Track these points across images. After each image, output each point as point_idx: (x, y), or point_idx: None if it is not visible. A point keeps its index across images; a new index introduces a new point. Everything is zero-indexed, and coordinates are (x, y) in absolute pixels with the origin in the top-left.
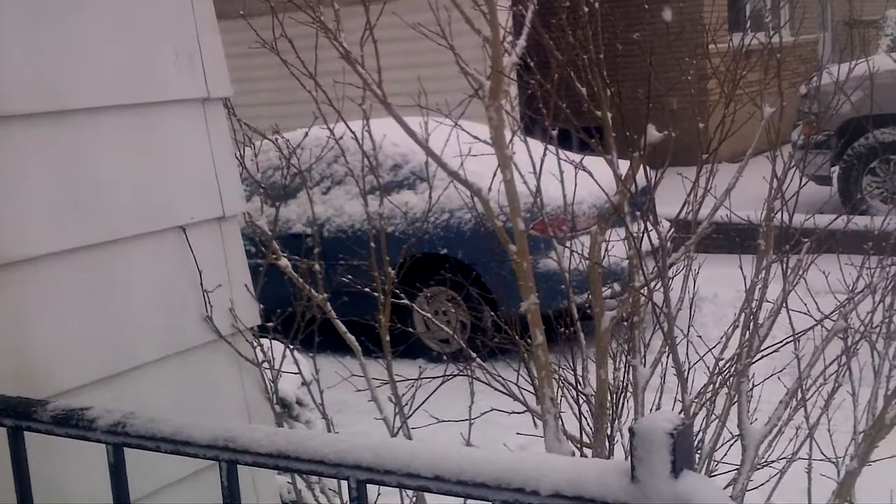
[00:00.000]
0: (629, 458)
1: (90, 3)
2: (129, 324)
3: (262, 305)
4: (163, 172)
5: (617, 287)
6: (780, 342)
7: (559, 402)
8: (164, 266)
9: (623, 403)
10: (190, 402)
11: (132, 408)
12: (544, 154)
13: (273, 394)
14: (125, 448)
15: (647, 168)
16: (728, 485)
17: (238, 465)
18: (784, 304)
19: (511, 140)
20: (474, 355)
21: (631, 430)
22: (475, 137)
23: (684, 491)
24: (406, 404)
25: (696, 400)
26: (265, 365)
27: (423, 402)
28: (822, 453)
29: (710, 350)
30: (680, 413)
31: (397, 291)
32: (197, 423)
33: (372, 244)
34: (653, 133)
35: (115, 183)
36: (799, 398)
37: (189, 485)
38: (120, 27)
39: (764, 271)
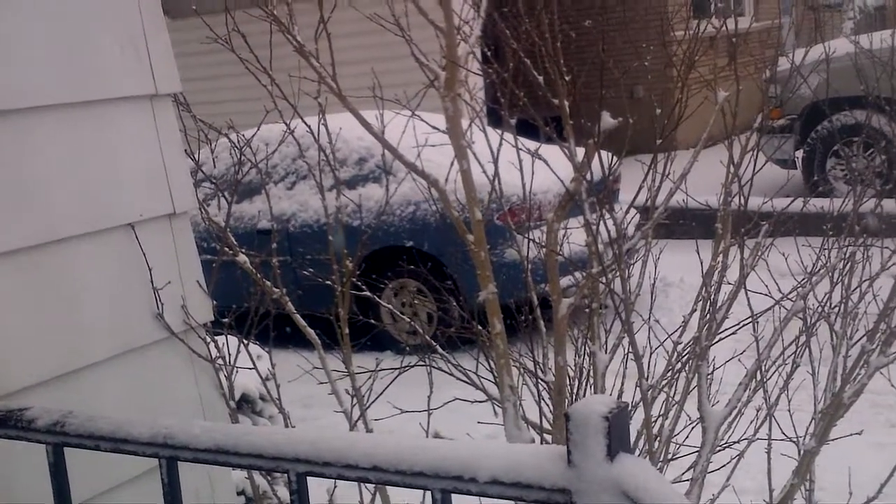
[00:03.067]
0: (566, 442)
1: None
2: (78, 323)
3: (214, 302)
4: (110, 170)
5: (579, 275)
6: (739, 324)
7: (520, 389)
8: (114, 264)
9: (585, 389)
10: (143, 401)
11: (84, 407)
12: (500, 143)
13: (228, 390)
14: (65, 448)
15: (611, 155)
16: (690, 467)
17: (180, 462)
18: (743, 287)
19: (468, 130)
20: (435, 345)
21: (566, 415)
22: (434, 128)
23: (619, 473)
24: (364, 396)
25: (654, 385)
26: (220, 361)
27: (380, 394)
28: (783, 433)
29: (670, 336)
30: (648, 397)
31: (359, 284)
32: (136, 421)
33: (330, 238)
34: (607, 120)
35: (59, 182)
36: (759, 379)
37: (143, 483)
38: (61, 24)
39: (722, 255)
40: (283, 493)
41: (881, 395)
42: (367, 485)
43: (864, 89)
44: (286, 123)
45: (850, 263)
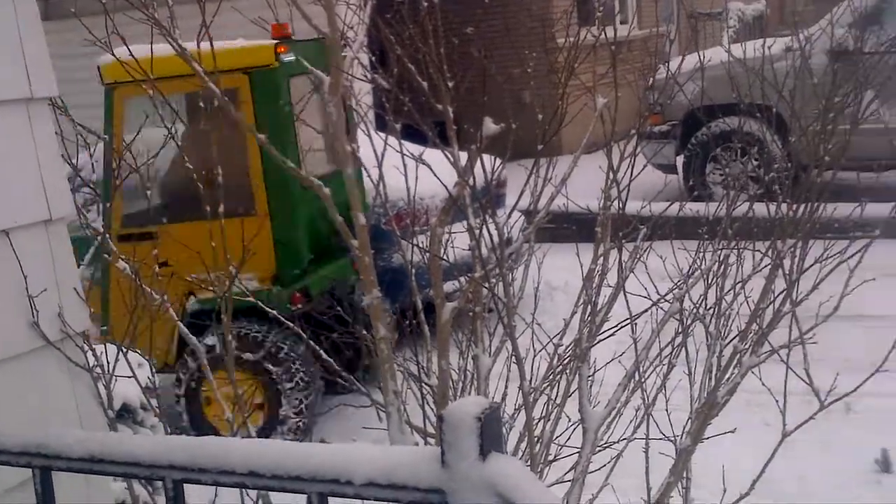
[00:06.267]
0: (440, 443)
1: None
2: None
3: (92, 309)
4: None
5: (463, 280)
6: (618, 326)
7: (404, 394)
8: None
9: (469, 393)
10: (18, 411)
11: None
12: (385, 148)
13: (107, 399)
14: None
15: (494, 160)
16: (571, 468)
17: (54, 472)
18: (622, 289)
19: (352, 134)
20: (320, 351)
21: (440, 417)
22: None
23: (491, 473)
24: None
25: (536, 387)
26: (98, 370)
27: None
28: (661, 432)
29: (552, 339)
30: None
31: (247, 290)
32: (8, 431)
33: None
34: (490, 126)
35: None
36: (637, 380)
37: (17, 495)
38: None
39: (602, 258)
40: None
41: (755, 393)
42: (249, 492)
43: (737, 97)
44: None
45: (723, 266)
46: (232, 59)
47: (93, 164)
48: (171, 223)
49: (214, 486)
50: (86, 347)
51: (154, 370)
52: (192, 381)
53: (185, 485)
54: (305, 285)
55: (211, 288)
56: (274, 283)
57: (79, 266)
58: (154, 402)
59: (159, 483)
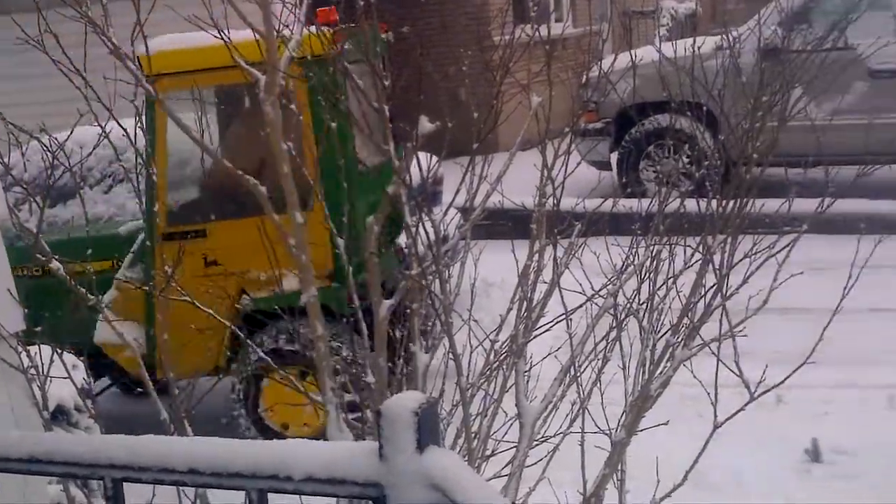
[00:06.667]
0: (378, 438)
1: None
2: None
3: (26, 310)
4: None
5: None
6: (553, 321)
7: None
8: None
9: (407, 390)
10: None
11: None
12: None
13: (41, 400)
14: None
15: (430, 157)
16: (508, 462)
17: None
18: (557, 285)
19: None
20: (258, 351)
21: (378, 412)
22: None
23: (428, 466)
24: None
25: (473, 383)
26: (32, 371)
27: (197, 402)
28: (597, 426)
29: (489, 336)
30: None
31: (179, 289)
32: None
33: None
34: (425, 124)
35: None
36: (572, 374)
37: None
38: None
39: (537, 255)
40: None
41: (688, 386)
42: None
43: (668, 95)
44: (101, 126)
45: (656, 261)
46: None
47: (24, 163)
48: (221, 220)
49: (153, 485)
50: (20, 349)
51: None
52: (245, 383)
53: (125, 484)
54: (362, 282)
55: (275, 287)
56: (332, 280)
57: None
58: (90, 403)
59: (96, 486)
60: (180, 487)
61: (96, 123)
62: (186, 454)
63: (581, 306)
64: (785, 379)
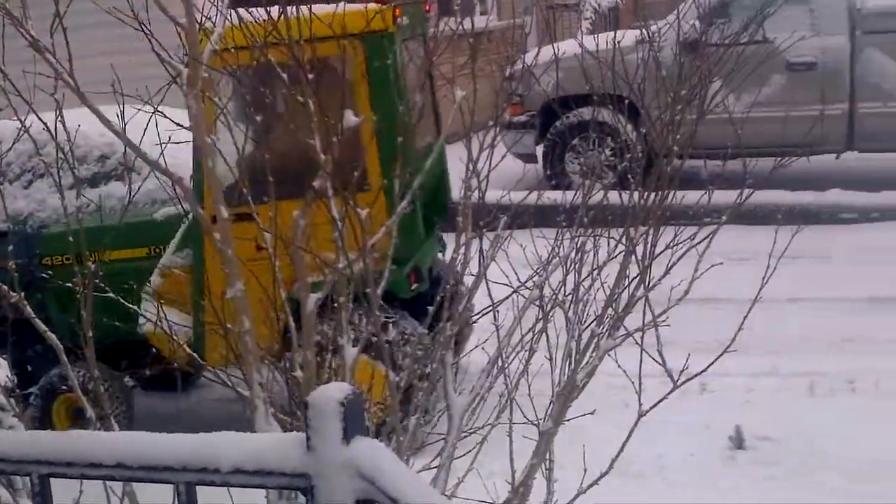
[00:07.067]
0: (306, 429)
1: None
2: None
3: None
4: None
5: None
6: (479, 313)
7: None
8: None
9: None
10: None
11: None
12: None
13: None
14: None
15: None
16: (437, 454)
17: None
18: (484, 277)
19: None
20: (185, 347)
21: (305, 403)
22: (178, 125)
23: (354, 455)
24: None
25: (402, 377)
26: None
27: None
28: (525, 416)
29: (416, 329)
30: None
31: (104, 286)
32: None
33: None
34: (349, 118)
35: None
36: (500, 366)
37: None
38: None
39: (464, 247)
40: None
41: (614, 376)
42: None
43: (590, 88)
44: (20, 120)
45: (580, 253)
46: (343, 23)
47: None
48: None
49: (80, 480)
50: None
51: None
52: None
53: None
54: (417, 264)
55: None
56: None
57: None
58: (13, 401)
59: (20, 484)
60: (109, 483)
61: (15, 118)
62: (114, 448)
63: (507, 298)
64: (706, 367)
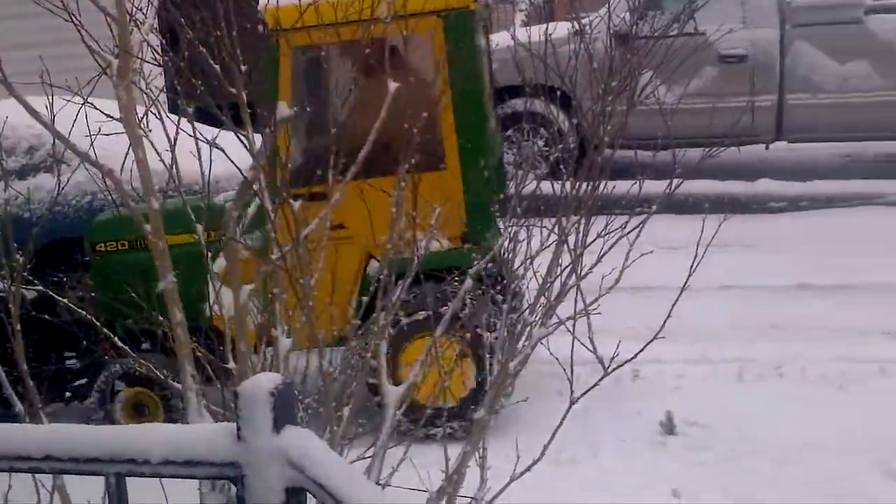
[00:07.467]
0: (236, 419)
1: None
2: None
3: None
4: None
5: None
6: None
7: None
8: None
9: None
10: None
11: None
12: (177, 132)
13: None
14: None
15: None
16: (371, 445)
17: None
18: (419, 266)
19: (143, 118)
20: (115, 340)
21: (235, 393)
22: (108, 116)
23: (284, 445)
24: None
25: (336, 367)
26: None
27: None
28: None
29: (352, 319)
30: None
31: (31, 279)
32: None
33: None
34: (283, 110)
35: None
36: (434, 355)
37: None
38: None
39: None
40: None
41: (547, 364)
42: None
43: (522, 80)
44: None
45: (514, 242)
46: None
47: None
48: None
49: (9, 473)
50: None
51: None
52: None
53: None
54: (491, 244)
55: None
56: (464, 242)
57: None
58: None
59: None
60: (38, 477)
61: None
62: (42, 441)
63: (443, 287)
64: (636, 354)
